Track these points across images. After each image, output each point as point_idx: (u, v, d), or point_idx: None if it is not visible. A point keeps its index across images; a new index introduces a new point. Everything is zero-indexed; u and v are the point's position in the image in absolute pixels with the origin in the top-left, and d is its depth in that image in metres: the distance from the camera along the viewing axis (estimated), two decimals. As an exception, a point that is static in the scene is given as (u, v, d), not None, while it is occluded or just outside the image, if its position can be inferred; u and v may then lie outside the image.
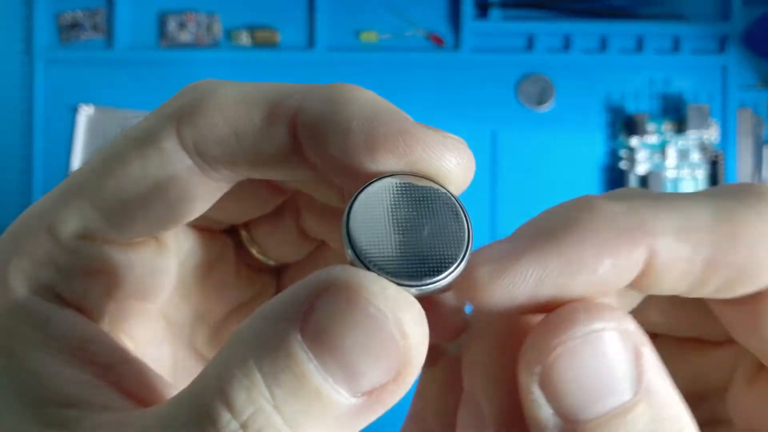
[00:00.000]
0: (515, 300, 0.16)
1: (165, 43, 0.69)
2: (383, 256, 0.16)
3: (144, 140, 0.19)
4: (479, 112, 0.69)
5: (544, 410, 0.16)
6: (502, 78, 0.69)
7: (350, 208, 0.16)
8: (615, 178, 0.68)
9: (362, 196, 0.17)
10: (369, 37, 0.69)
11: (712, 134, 0.67)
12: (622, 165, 0.68)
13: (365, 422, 0.15)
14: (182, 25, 0.69)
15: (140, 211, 0.19)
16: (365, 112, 0.18)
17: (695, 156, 0.67)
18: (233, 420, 0.14)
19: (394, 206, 0.17)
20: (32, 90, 0.69)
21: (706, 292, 0.17)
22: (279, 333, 0.14)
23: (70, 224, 0.19)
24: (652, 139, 0.67)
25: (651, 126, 0.67)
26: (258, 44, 0.69)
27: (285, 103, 0.19)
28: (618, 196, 0.18)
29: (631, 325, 0.16)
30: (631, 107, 0.69)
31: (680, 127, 0.67)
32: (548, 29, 0.69)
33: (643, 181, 0.67)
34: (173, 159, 0.19)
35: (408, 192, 0.17)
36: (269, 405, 0.14)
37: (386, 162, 0.18)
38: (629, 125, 0.68)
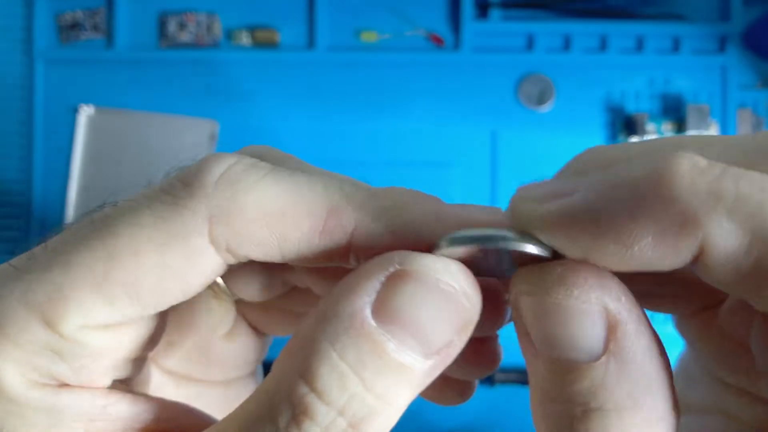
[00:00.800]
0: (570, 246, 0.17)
1: (165, 44, 0.69)
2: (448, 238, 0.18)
3: (170, 234, 0.18)
4: (479, 112, 0.69)
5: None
6: (502, 78, 0.69)
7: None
8: (615, 178, 0.68)
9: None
10: (369, 37, 0.69)
11: (712, 134, 0.67)
12: (622, 165, 0.68)
13: (435, 376, 0.18)
14: (182, 26, 0.69)
15: (152, 298, 0.18)
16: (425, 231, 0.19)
17: (695, 156, 0.68)
18: (330, 409, 0.16)
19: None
20: (32, 90, 0.69)
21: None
22: (357, 324, 0.16)
23: (73, 320, 0.18)
24: (652, 139, 0.68)
25: (651, 126, 0.67)
26: (258, 44, 0.69)
27: (340, 216, 0.18)
28: (712, 165, 0.15)
29: (614, 302, 0.17)
30: (631, 107, 0.69)
31: (680, 128, 0.67)
32: (548, 29, 0.69)
33: (643, 181, 0.67)
34: (201, 255, 0.18)
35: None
36: (361, 388, 0.16)
37: None
38: (629, 125, 0.68)
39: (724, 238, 0.15)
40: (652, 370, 0.16)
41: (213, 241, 0.18)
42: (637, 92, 0.69)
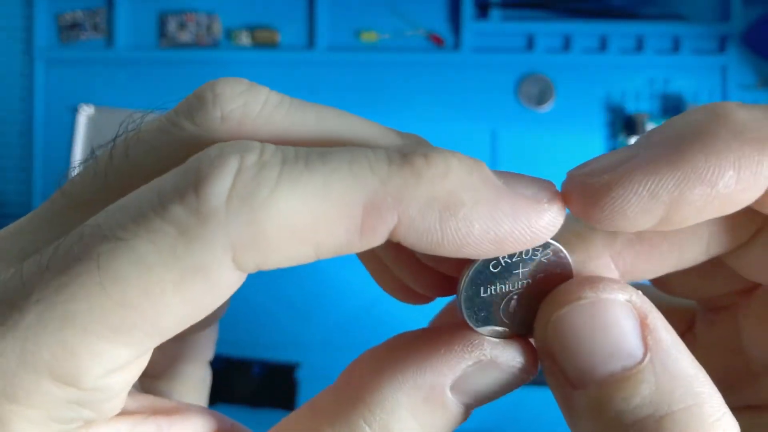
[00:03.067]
0: (628, 215, 0.16)
1: (165, 43, 0.69)
2: None
3: (186, 270, 0.15)
4: (479, 112, 0.69)
5: (548, 370, 0.18)
6: (502, 78, 0.69)
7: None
8: (615, 178, 0.68)
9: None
10: (369, 37, 0.69)
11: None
12: (622, 165, 0.68)
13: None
14: (182, 25, 0.69)
15: (173, 328, 0.16)
16: (477, 215, 0.16)
17: (695, 156, 0.68)
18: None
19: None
20: (32, 90, 0.69)
21: None
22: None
23: (92, 372, 0.16)
24: (652, 139, 0.68)
25: (651, 126, 0.67)
26: (258, 44, 0.69)
27: (379, 212, 0.16)
28: (757, 106, 0.16)
29: (637, 296, 0.17)
30: (631, 107, 0.69)
31: (680, 127, 0.67)
32: (548, 29, 0.69)
33: (643, 181, 0.67)
34: (226, 282, 0.16)
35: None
36: None
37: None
38: (629, 125, 0.68)
39: None
40: (691, 365, 0.16)
41: (241, 269, 0.16)
42: (637, 92, 0.69)
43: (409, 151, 0.16)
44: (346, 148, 0.17)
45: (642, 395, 0.16)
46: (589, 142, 0.69)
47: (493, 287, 0.19)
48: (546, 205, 0.17)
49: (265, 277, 0.69)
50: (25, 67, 0.69)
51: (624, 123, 0.68)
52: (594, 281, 0.17)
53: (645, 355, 0.16)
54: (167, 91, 0.69)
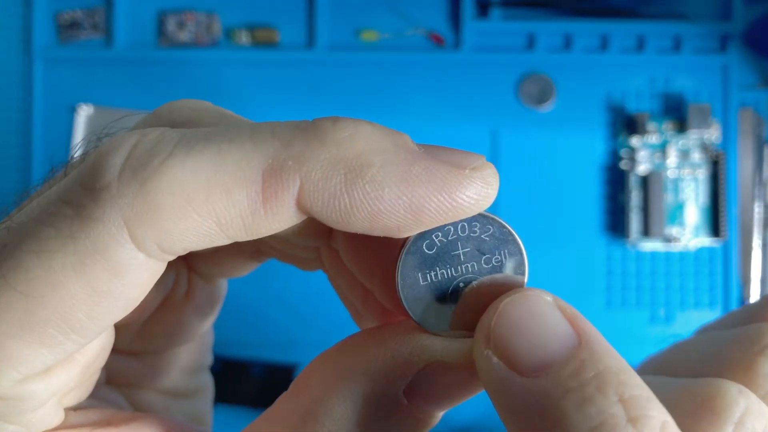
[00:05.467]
0: None
1: (164, 43, 0.69)
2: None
3: (84, 254, 0.14)
4: (479, 112, 0.69)
5: (493, 361, 0.16)
6: (503, 78, 0.69)
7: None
8: (616, 177, 0.68)
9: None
10: (369, 36, 0.69)
11: (713, 134, 0.67)
12: (623, 165, 0.68)
13: None
14: (181, 25, 0.69)
15: (90, 325, 0.15)
16: (384, 174, 0.15)
17: (696, 156, 0.67)
18: None
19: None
20: (31, 90, 0.69)
21: None
22: None
23: (8, 377, 0.15)
24: (653, 138, 0.67)
25: (652, 126, 0.67)
26: (257, 44, 0.69)
27: (279, 176, 0.15)
28: None
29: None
30: (631, 107, 0.68)
31: (681, 127, 0.67)
32: (549, 29, 0.68)
33: (644, 181, 0.67)
34: (130, 266, 0.15)
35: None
36: None
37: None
38: (630, 125, 0.68)
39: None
40: (610, 346, 0.16)
41: (140, 247, 0.15)
42: (638, 92, 0.69)
43: (317, 118, 0.15)
44: (251, 122, 0.16)
45: (586, 376, 0.15)
46: (589, 142, 0.68)
47: (433, 273, 0.17)
48: (468, 171, 0.15)
49: (265, 277, 0.68)
50: (23, 66, 0.69)
51: (625, 123, 0.68)
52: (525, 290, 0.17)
53: (580, 340, 0.16)
54: (166, 91, 0.69)
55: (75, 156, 0.18)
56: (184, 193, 0.14)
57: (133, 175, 0.14)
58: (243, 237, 0.15)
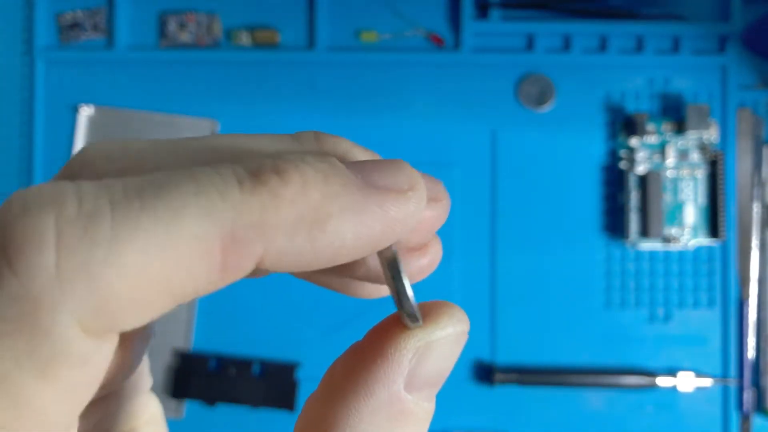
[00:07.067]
0: None
1: (165, 43, 0.69)
2: None
3: (44, 368, 0.13)
4: (479, 112, 0.69)
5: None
6: (502, 78, 0.69)
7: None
8: (615, 178, 0.68)
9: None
10: (369, 37, 0.69)
11: (711, 134, 0.67)
12: (622, 165, 0.68)
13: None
14: (182, 26, 0.69)
15: (57, 420, 0.13)
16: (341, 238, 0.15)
17: (695, 156, 0.68)
18: None
19: None
20: (32, 90, 0.69)
21: None
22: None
23: None
24: (652, 139, 0.68)
25: (651, 126, 0.67)
26: (258, 44, 0.69)
27: (240, 246, 0.14)
28: None
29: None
30: (630, 107, 0.69)
31: (680, 127, 0.67)
32: (548, 29, 0.69)
33: (643, 181, 0.67)
34: (91, 357, 0.13)
35: None
36: None
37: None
38: (629, 125, 0.68)
39: None
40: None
41: (92, 337, 0.13)
42: (637, 92, 0.69)
43: (256, 168, 0.14)
44: (185, 173, 0.14)
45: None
46: (589, 142, 0.69)
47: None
48: (410, 193, 0.16)
49: (265, 277, 0.69)
50: (24, 67, 0.69)
51: (624, 123, 0.68)
52: None
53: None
54: (167, 91, 0.69)
55: None
56: (139, 282, 0.13)
57: (77, 273, 0.13)
58: (191, 298, 0.14)
